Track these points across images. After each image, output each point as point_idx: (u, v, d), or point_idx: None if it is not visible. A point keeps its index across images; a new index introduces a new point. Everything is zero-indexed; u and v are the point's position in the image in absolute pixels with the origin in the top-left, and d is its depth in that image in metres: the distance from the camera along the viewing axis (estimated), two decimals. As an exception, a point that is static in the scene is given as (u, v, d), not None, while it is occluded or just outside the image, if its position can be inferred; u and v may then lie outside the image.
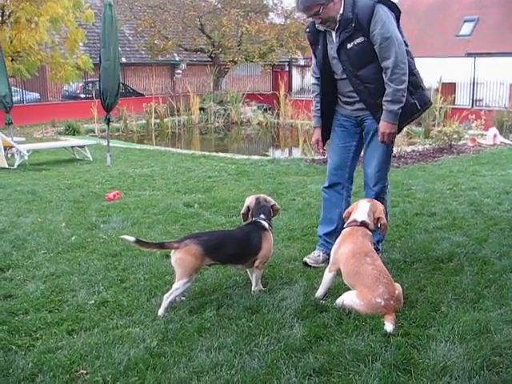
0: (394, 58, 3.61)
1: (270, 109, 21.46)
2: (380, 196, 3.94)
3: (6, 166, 9.38)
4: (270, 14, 23.81)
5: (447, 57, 21.68)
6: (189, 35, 23.07)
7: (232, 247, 3.48)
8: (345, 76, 3.85)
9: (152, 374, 2.62)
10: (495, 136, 11.52)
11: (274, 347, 2.81)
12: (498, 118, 13.86)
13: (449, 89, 16.81)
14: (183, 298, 3.46)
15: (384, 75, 3.68)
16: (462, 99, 18.42)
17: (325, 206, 4.25)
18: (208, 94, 21.46)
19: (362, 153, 4.16)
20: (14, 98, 12.41)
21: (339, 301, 3.21)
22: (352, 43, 3.70)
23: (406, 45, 3.79)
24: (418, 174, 7.96)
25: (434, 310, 3.22)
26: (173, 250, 3.35)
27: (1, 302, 3.50)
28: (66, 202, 6.39)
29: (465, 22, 30.75)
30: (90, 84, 22.04)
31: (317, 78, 4.06)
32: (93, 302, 3.48)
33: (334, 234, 4.07)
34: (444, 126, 12.46)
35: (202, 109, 20.20)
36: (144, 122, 18.28)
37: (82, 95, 22.33)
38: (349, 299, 3.17)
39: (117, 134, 16.49)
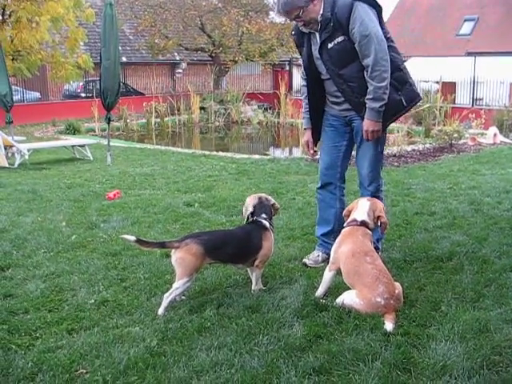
0: (374, 56, 3.57)
1: (270, 108, 21.48)
2: (376, 195, 3.94)
3: (7, 166, 9.38)
4: (271, 13, 23.78)
5: (447, 56, 21.71)
6: (189, 34, 23.07)
7: (232, 247, 3.48)
8: (329, 76, 3.85)
9: (152, 374, 2.62)
10: (495, 135, 11.52)
11: (274, 346, 2.81)
12: (498, 117, 13.86)
13: (449, 88, 16.80)
14: (183, 297, 3.46)
15: (365, 73, 3.65)
16: (463, 98, 18.42)
17: (320, 206, 4.26)
18: (208, 93, 21.45)
19: (354, 153, 4.16)
20: (15, 97, 12.42)
21: (339, 300, 3.21)
22: (333, 43, 3.68)
23: (391, 41, 3.76)
24: (418, 173, 7.96)
25: (433, 309, 3.22)
26: (173, 250, 3.35)
27: (1, 301, 3.50)
28: (66, 201, 6.39)
29: (465, 21, 30.76)
30: (91, 83, 22.06)
31: (305, 79, 4.06)
32: (93, 301, 3.48)
33: (331, 234, 4.07)
34: (444, 125, 12.46)
35: (202, 108, 20.20)
36: (144, 121, 18.29)
37: (83, 94, 22.36)
38: (349, 298, 3.17)
39: (117, 133, 16.50)
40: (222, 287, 3.65)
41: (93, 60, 16.22)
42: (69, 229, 5.15)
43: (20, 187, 7.28)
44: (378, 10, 3.70)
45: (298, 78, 25.29)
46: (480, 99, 18.28)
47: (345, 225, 3.54)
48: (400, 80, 3.75)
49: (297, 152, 12.73)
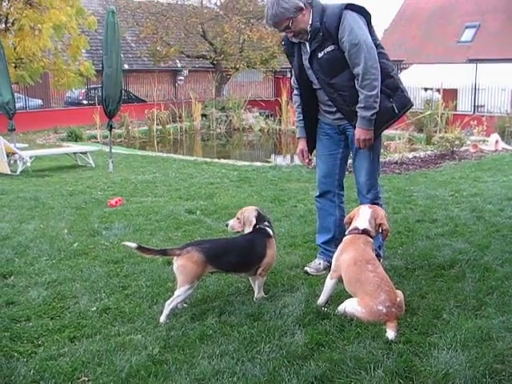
0: (364, 64, 3.57)
1: (271, 115, 21.49)
2: (375, 202, 3.94)
3: (9, 173, 9.41)
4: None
5: (448, 63, 21.75)
6: (191, 42, 23.18)
7: (235, 255, 3.48)
8: (320, 86, 3.85)
9: (154, 382, 2.62)
10: (497, 142, 11.53)
11: (276, 354, 2.81)
12: (500, 124, 13.89)
13: (450, 95, 16.83)
14: (185, 305, 3.47)
15: (356, 82, 3.66)
16: (464, 105, 18.44)
17: (319, 215, 4.26)
18: (210, 100, 21.49)
19: (351, 160, 4.16)
20: (17, 105, 12.45)
21: (341, 308, 3.21)
22: (322, 52, 3.68)
23: (381, 47, 3.76)
24: (419, 181, 7.96)
25: (435, 317, 3.21)
26: (175, 257, 3.35)
27: (3, 309, 3.50)
28: (68, 208, 6.40)
29: (466, 28, 30.86)
30: (93, 90, 22.14)
31: (297, 89, 4.06)
32: (95, 308, 3.48)
33: (332, 242, 4.08)
34: (446, 132, 12.46)
35: (203, 115, 20.23)
36: (146, 128, 18.32)
37: (85, 102, 22.44)
38: (350, 306, 3.17)
39: (119, 140, 16.55)
40: (224, 295, 3.65)
41: (95, 67, 16.30)
42: (71, 236, 5.15)
43: (22, 194, 7.29)
44: (367, 17, 3.70)
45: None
46: (481, 106, 18.31)
47: (346, 233, 3.54)
48: (391, 87, 3.75)
49: (298, 159, 12.73)
